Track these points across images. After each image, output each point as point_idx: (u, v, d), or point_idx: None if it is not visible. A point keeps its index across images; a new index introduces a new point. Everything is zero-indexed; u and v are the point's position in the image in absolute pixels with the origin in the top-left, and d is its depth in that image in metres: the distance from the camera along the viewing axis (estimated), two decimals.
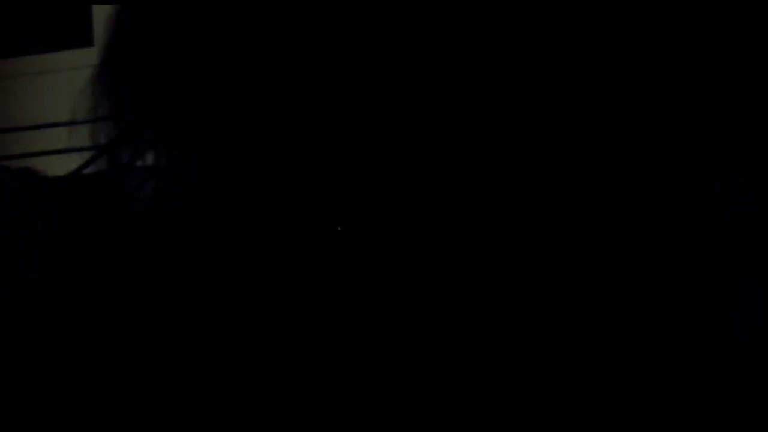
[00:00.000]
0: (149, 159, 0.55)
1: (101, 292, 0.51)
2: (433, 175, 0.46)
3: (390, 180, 0.46)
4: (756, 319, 0.48)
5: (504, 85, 0.45)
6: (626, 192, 0.46)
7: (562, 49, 0.45)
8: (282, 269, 0.47)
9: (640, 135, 0.46)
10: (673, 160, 0.46)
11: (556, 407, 0.46)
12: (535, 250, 0.46)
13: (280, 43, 0.47)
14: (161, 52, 0.51)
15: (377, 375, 0.46)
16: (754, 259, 0.48)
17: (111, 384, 0.49)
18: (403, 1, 0.45)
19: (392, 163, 0.46)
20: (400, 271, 0.46)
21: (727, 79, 0.46)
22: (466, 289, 0.46)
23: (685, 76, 0.46)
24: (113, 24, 0.54)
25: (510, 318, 0.46)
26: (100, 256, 0.52)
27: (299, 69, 0.46)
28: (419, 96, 0.46)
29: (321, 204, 0.47)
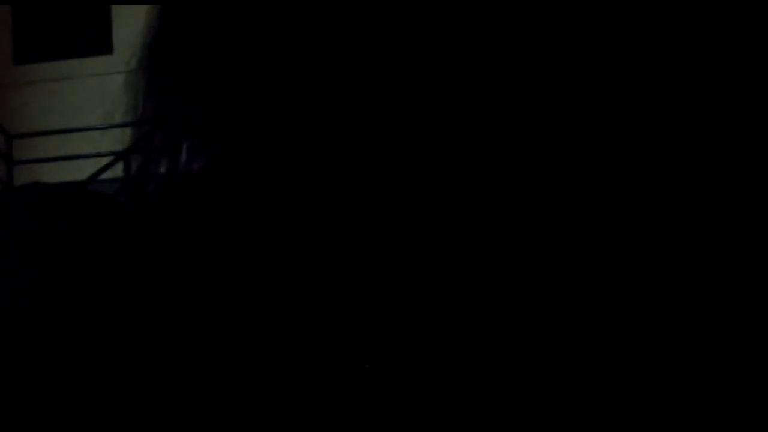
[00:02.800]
0: (162, 166, 0.55)
1: (102, 297, 0.52)
2: (433, 174, 0.46)
3: (394, 180, 0.46)
4: None
5: (507, 84, 0.46)
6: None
7: (562, 49, 0.46)
8: (283, 270, 0.48)
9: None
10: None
11: (563, 411, 0.46)
12: (554, 252, 0.46)
13: (304, 50, 0.47)
14: (181, 61, 0.52)
15: (376, 378, 0.46)
16: None
17: (119, 384, 0.50)
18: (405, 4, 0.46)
19: (397, 162, 0.46)
20: (401, 273, 0.47)
21: None
22: (470, 292, 0.46)
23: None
24: (135, 32, 0.55)
25: (521, 321, 0.46)
26: (101, 260, 0.53)
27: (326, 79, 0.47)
28: (427, 97, 0.46)
29: (326, 206, 0.47)
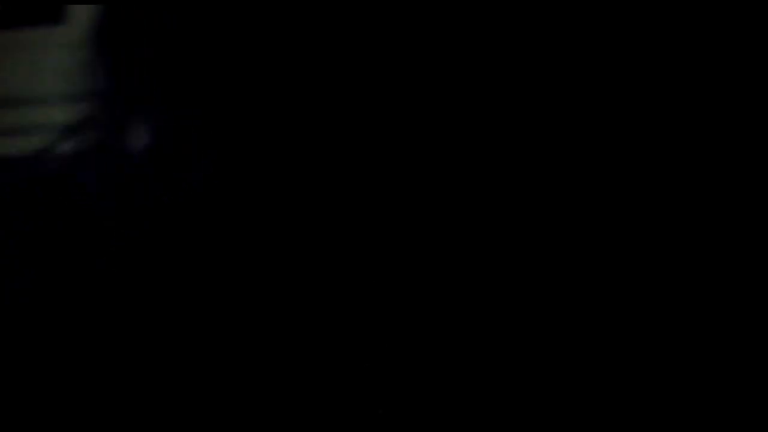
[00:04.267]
0: (117, 141, 0.55)
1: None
2: (432, 175, 0.46)
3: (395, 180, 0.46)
4: None
5: (506, 83, 0.46)
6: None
7: (562, 48, 0.46)
8: (281, 273, 0.47)
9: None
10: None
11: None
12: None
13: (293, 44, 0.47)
14: (137, 36, 0.51)
15: (375, 383, 0.46)
16: None
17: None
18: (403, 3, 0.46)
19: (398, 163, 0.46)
20: (403, 274, 0.46)
21: None
22: (470, 292, 0.46)
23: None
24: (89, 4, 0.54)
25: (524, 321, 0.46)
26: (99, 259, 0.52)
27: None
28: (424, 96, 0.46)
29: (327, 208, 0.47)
